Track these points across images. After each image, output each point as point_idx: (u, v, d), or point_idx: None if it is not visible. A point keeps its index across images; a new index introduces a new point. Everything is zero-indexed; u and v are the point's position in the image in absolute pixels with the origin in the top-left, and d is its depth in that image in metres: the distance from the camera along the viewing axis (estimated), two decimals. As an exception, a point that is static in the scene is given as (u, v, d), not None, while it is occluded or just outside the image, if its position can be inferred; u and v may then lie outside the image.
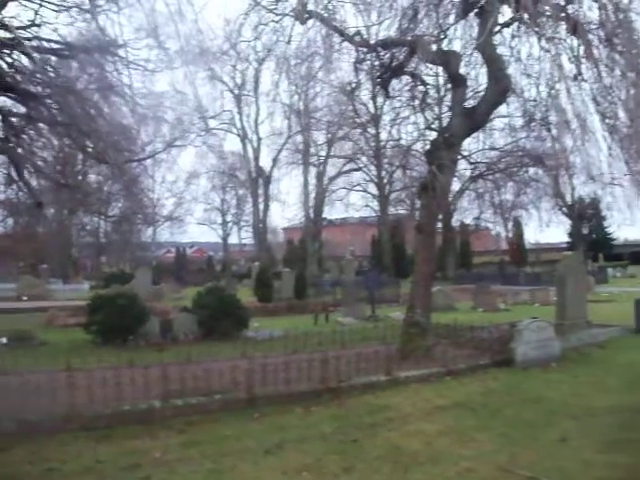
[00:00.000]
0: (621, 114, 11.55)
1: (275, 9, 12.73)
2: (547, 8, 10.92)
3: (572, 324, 12.74)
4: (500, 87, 11.39)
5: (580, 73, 11.44)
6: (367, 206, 50.69)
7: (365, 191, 49.69)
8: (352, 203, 50.56)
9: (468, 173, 42.74)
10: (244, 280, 38.62)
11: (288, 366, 8.48)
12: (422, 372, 9.31)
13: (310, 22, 12.31)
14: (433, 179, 11.10)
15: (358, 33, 12.17)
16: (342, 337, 12.21)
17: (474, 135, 13.86)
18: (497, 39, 12.06)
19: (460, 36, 12.55)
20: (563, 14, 11.43)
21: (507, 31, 12.16)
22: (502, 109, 14.05)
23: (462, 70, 12.36)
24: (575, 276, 13.89)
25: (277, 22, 12.82)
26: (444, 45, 12.34)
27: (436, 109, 16.98)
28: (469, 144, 28.22)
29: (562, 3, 11.45)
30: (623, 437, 6.26)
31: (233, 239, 66.42)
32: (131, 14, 13.59)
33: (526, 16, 10.71)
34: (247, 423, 7.11)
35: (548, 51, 11.25)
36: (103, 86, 14.28)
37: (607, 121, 11.70)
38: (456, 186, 42.25)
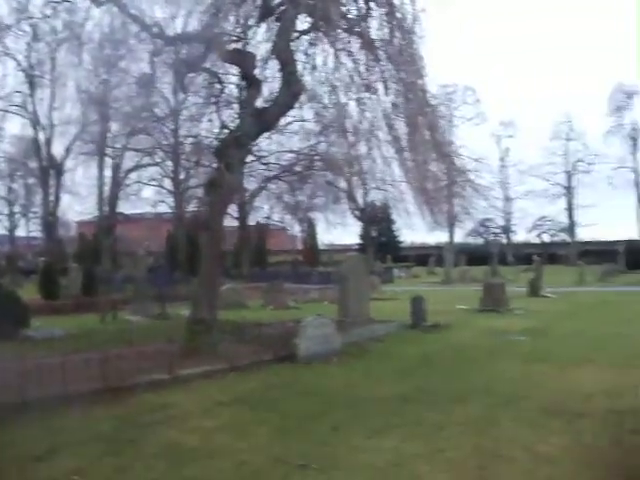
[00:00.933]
0: (403, 127, 12.53)
1: (69, -14, 12.02)
2: (342, 22, 11.53)
3: (354, 321, 13.53)
4: (292, 91, 11.74)
5: (370, 86, 12.20)
6: (162, 202, 49.32)
7: (161, 186, 48.36)
8: (146, 198, 48.92)
9: (266, 174, 43.34)
10: (32, 276, 35.82)
11: (67, 366, 8.02)
12: (205, 369, 9.29)
13: (107, 7, 11.80)
14: (221, 177, 11.16)
15: (156, 24, 11.85)
16: (128, 335, 11.86)
17: (272, 137, 14.15)
18: (295, 46, 12.44)
19: (263, 39, 12.78)
20: (358, 29, 12.13)
21: (306, 38, 12.61)
22: (300, 113, 14.55)
23: (261, 73, 12.57)
24: (357, 276, 14.77)
25: (71, 2, 12.11)
26: (248, 46, 12.45)
27: (237, 107, 17.07)
28: (268, 145, 28.75)
29: (358, 19, 12.15)
30: (390, 423, 6.73)
31: (21, 232, 61.26)
32: None
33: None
34: (18, 429, 6.59)
35: (342, 62, 11.88)
36: None
37: (392, 132, 12.61)
38: (253, 186, 42.75)
